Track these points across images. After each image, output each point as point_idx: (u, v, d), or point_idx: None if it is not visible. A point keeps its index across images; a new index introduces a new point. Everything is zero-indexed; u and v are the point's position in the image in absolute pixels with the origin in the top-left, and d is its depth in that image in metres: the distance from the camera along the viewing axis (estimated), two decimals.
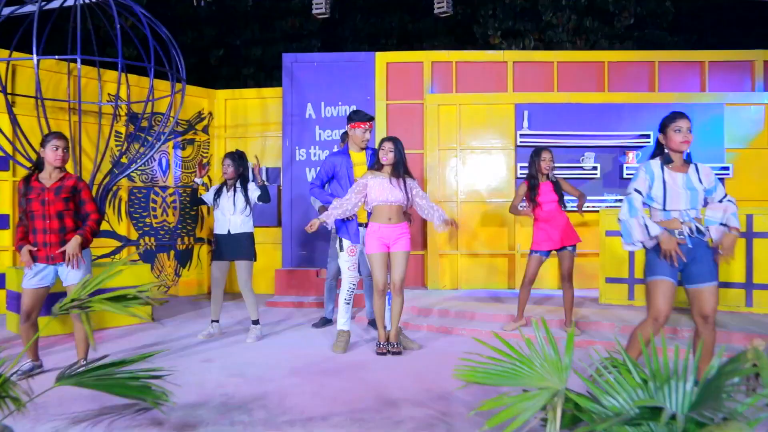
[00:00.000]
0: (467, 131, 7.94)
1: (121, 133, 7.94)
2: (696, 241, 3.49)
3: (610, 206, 7.36)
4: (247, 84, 13.45)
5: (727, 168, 7.63)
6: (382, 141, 4.83)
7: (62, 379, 2.37)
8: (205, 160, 6.41)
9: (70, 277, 4.20)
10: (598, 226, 7.10)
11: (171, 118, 7.08)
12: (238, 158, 5.65)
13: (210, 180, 8.83)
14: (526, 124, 7.76)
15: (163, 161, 8.47)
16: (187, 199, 8.62)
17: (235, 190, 5.53)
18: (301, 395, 3.81)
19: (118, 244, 7.95)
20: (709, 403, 2.00)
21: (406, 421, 3.33)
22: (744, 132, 7.85)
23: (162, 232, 8.40)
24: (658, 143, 3.69)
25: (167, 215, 8.48)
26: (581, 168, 7.63)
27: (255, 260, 5.58)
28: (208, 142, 8.99)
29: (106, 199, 6.53)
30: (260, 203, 5.58)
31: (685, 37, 13.08)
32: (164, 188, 8.45)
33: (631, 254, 6.23)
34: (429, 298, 6.89)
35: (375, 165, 4.88)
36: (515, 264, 7.76)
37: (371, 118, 5.23)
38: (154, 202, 8.37)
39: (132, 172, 7.79)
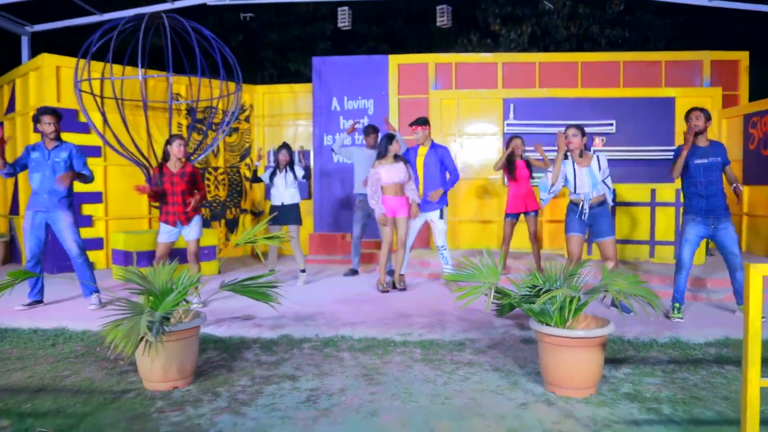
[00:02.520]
0: (464, 121, 9.71)
1: (182, 125, 9.76)
2: (595, 210, 5.33)
3: None
4: (265, 66, 15.12)
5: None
6: (391, 138, 6.61)
7: (224, 286, 4.23)
8: (263, 151, 8.43)
9: (190, 233, 6.08)
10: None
11: (228, 112, 8.88)
12: (290, 148, 7.48)
13: (264, 162, 10.68)
14: (512, 115, 9.52)
15: (215, 146, 10.30)
16: (236, 177, 10.49)
17: (286, 171, 7.37)
18: (345, 313, 5.70)
19: None
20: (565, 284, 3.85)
21: (414, 324, 5.21)
22: None
23: (215, 205, 10.27)
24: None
25: (218, 190, 10.34)
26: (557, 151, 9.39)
27: (301, 224, 7.45)
28: (249, 130, 10.81)
29: None
30: (303, 180, 7.44)
31: (674, 20, 14.39)
32: (215, 168, 10.30)
33: None
34: (431, 256, 8.74)
35: (381, 154, 6.67)
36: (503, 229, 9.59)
37: (417, 122, 6.97)
38: (208, 180, 10.22)
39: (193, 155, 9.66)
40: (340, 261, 9.26)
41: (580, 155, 5.45)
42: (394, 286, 6.87)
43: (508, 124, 9.48)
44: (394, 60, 10.06)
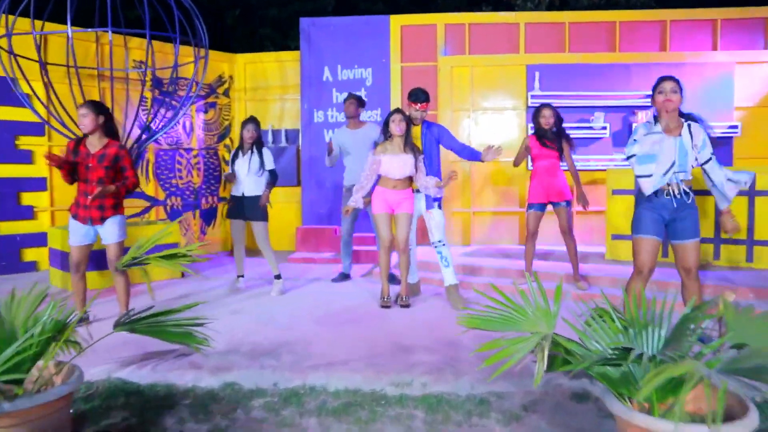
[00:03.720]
0: (480, 92, 8.16)
1: (147, 98, 8.26)
2: (681, 201, 3.78)
3: (618, 166, 7.59)
4: (264, 45, 13.65)
5: (735, 126, 7.80)
6: (392, 113, 5.12)
7: (119, 326, 2.76)
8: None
9: (107, 237, 4.59)
10: (605, 184, 7.37)
11: (190, 82, 7.37)
12: (257, 123, 5.96)
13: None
14: (537, 84, 7.96)
15: (187, 124, 8.80)
16: (212, 160, 9.01)
17: (251, 153, 5.85)
18: (323, 343, 4.21)
19: (147, 204, 8.36)
20: (673, 345, 2.33)
21: (417, 365, 3.72)
22: (754, 90, 7.97)
23: (187, 192, 8.80)
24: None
25: (192, 176, 8.86)
26: (591, 128, 7.85)
27: (267, 220, 5.96)
28: (229, 105, 9.29)
29: (137, 161, 6.89)
30: (269, 172, 5.94)
31: None
32: (188, 150, 8.81)
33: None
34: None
35: (385, 136, 5.18)
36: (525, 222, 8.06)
37: (418, 98, 5.28)
38: (179, 163, 8.74)
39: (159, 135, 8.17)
40: (330, 259, 7.78)
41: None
42: (402, 300, 5.34)
43: (532, 96, 7.91)
44: (397, 21, 8.49)
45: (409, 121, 5.15)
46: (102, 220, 4.55)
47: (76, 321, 2.69)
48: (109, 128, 4.63)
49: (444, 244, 5.32)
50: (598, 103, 7.86)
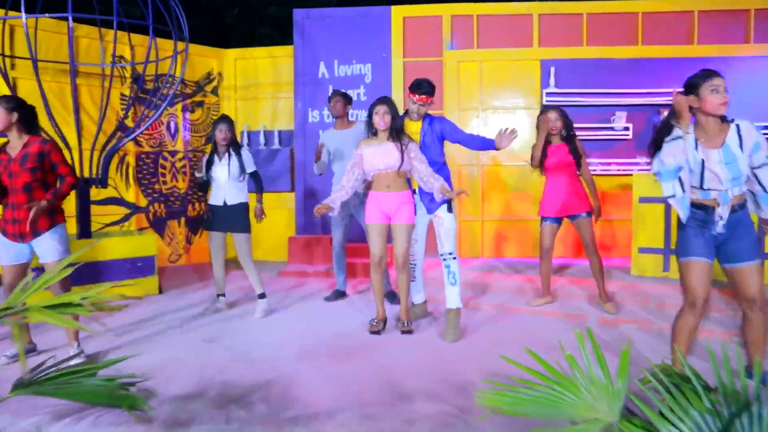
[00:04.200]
0: (489, 90, 7.46)
1: (126, 96, 7.59)
2: (735, 216, 3.07)
3: (644, 170, 6.88)
4: (264, 44, 13.00)
5: None
6: (375, 104, 4.42)
7: (18, 387, 2.06)
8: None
9: (44, 255, 3.86)
10: (630, 190, 6.67)
11: (171, 78, 6.68)
12: (231, 122, 5.26)
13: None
14: (552, 81, 7.25)
15: (172, 125, 8.13)
16: (198, 163, 8.32)
17: (229, 156, 5.16)
18: (306, 385, 3.50)
19: (127, 211, 7.68)
20: None
21: (420, 419, 3.00)
22: None
23: (172, 199, 8.12)
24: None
25: (177, 181, 8.18)
26: (612, 128, 7.14)
27: (250, 231, 5.26)
28: (218, 105, 8.61)
29: (109, 164, 6.20)
30: (250, 175, 5.28)
31: None
32: (173, 153, 8.13)
33: (667, 222, 5.78)
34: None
35: (369, 132, 4.51)
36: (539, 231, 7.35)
37: (421, 89, 4.54)
38: (163, 167, 8.06)
39: (138, 136, 7.49)
40: (326, 273, 7.07)
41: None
42: (403, 325, 4.60)
43: (547, 94, 7.20)
44: (399, 12, 7.80)
45: (396, 115, 4.43)
46: (35, 234, 3.83)
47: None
48: (27, 124, 3.90)
49: (454, 258, 4.58)
50: (620, 102, 7.14)
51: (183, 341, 4.42)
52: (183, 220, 8.23)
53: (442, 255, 4.60)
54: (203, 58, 8.45)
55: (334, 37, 7.94)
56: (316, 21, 8.00)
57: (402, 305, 4.58)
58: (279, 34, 13.70)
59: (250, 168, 5.24)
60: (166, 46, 7.67)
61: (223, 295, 5.46)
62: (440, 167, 4.64)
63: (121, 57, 7.53)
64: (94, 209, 7.31)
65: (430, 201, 4.56)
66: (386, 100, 4.42)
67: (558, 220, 5.07)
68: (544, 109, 5.00)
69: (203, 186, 5.40)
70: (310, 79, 8.02)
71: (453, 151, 7.33)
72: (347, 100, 5.78)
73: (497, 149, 4.43)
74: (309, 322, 4.97)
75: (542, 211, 5.12)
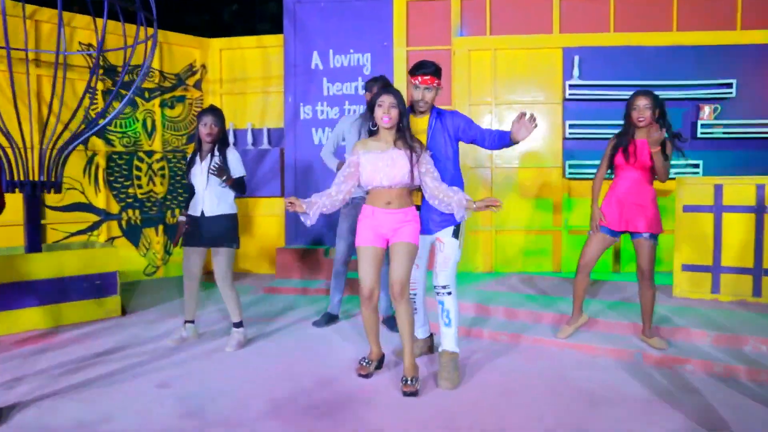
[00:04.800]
0: (504, 82, 6.58)
1: (97, 90, 6.75)
2: None
3: (682, 173, 6.01)
4: None
5: None
6: (380, 92, 3.47)
7: None
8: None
9: None
10: (667, 197, 5.81)
11: (147, 69, 5.83)
12: (221, 115, 4.39)
13: None
14: (576, 72, 6.38)
15: (149, 122, 7.28)
16: (180, 165, 7.49)
17: (211, 157, 4.30)
18: None
19: (96, 218, 6.84)
20: None
21: None
22: None
23: (148, 204, 7.27)
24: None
25: (154, 184, 7.33)
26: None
27: (238, 247, 4.39)
28: (201, 99, 7.76)
29: (61, 167, 5.35)
30: (237, 180, 4.39)
31: None
32: (150, 153, 7.27)
33: (718, 235, 4.89)
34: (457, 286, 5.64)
35: (370, 130, 3.60)
36: (562, 243, 6.47)
37: (424, 69, 3.63)
38: (138, 169, 7.21)
39: (109, 134, 6.67)
40: (319, 290, 6.21)
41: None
42: (406, 384, 3.55)
43: (570, 86, 6.32)
44: None
45: (404, 109, 3.49)
46: None
47: None
48: None
49: (449, 293, 3.69)
50: None
51: (131, 387, 3.56)
52: (161, 227, 7.38)
53: (435, 288, 3.72)
54: (185, 48, 7.60)
55: (329, 24, 7.09)
56: (309, 6, 7.14)
57: (405, 356, 3.55)
58: (279, 31, 12.95)
59: (238, 172, 4.37)
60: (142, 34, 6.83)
61: (192, 321, 4.60)
62: (452, 177, 3.73)
63: (90, 45, 6.70)
64: (58, 216, 6.53)
65: (433, 218, 3.67)
66: (392, 89, 3.48)
67: (615, 234, 4.15)
68: (635, 93, 3.98)
69: (187, 200, 4.54)
70: (302, 71, 7.17)
71: (463, 152, 6.43)
72: (384, 84, 4.84)
73: (514, 142, 3.52)
74: (288, 360, 4.10)
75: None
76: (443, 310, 3.71)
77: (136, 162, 7.19)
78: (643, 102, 3.96)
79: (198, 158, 4.34)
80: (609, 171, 4.20)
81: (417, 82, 3.62)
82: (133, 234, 7.17)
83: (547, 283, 5.86)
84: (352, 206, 4.72)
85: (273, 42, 7.57)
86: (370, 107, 3.50)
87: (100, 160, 6.88)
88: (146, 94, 7.24)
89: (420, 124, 3.72)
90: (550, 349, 4.21)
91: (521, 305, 4.99)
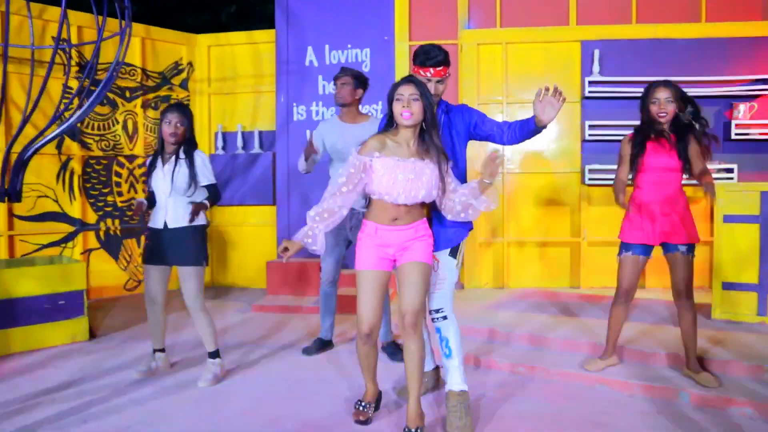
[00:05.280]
0: (516, 79, 5.99)
1: (72, 89, 6.17)
2: None
3: (719, 178, 5.41)
4: None
5: None
6: (398, 84, 2.83)
7: None
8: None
9: None
10: (700, 203, 5.22)
11: (127, 67, 5.27)
12: (188, 112, 3.82)
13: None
14: (596, 68, 5.79)
15: (130, 125, 6.70)
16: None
17: (176, 160, 3.72)
18: None
19: (71, 228, 6.26)
20: None
21: None
22: None
23: (130, 213, 6.69)
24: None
25: (136, 191, 6.75)
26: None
27: (206, 264, 3.80)
28: (188, 100, 7.18)
29: (21, 172, 4.77)
30: (206, 190, 3.81)
31: None
32: (131, 158, 6.70)
33: (765, 249, 4.28)
34: (465, 304, 5.04)
35: (386, 127, 2.94)
36: (580, 255, 5.87)
37: (427, 61, 3.03)
38: (118, 175, 6.64)
39: (82, 137, 6.12)
40: (313, 308, 5.61)
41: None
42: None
43: (589, 83, 5.74)
44: None
45: (431, 101, 2.83)
46: None
47: None
48: None
49: (445, 317, 3.09)
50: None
51: None
52: (143, 238, 6.80)
53: (429, 312, 3.13)
54: (170, 45, 7.04)
55: (325, 17, 6.52)
56: None
57: (410, 402, 2.91)
58: None
59: (205, 179, 3.78)
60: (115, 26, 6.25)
61: (162, 350, 4.00)
62: (461, 176, 3.16)
63: (65, 40, 6.13)
64: (28, 227, 5.96)
65: (442, 233, 3.08)
66: (413, 78, 2.86)
67: (647, 250, 3.55)
68: (651, 85, 3.43)
69: (150, 203, 3.95)
70: (296, 68, 6.59)
71: (472, 155, 5.83)
72: (359, 82, 4.27)
73: (540, 127, 2.90)
74: (271, 399, 3.50)
75: (624, 234, 3.57)
76: (441, 338, 3.11)
77: (115, 167, 6.62)
78: (664, 94, 3.42)
79: (160, 161, 3.76)
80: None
81: (428, 75, 3.02)
82: (112, 246, 6.59)
83: (567, 300, 5.27)
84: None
85: (265, 37, 7.00)
86: (390, 102, 2.86)
87: (76, 166, 6.31)
88: (127, 94, 6.68)
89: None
90: (578, 384, 3.60)
91: (540, 329, 4.38)
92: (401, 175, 2.75)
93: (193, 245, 3.69)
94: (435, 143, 2.83)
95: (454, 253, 3.12)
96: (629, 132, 3.64)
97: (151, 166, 3.79)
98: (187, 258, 3.68)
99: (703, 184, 3.35)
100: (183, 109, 3.76)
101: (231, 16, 11.74)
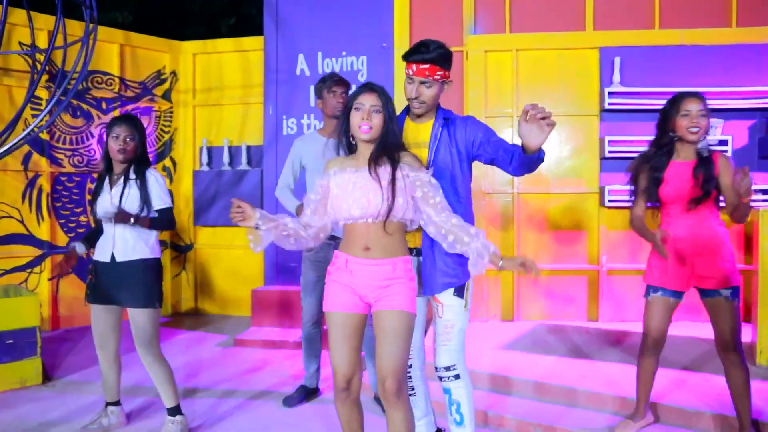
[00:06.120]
0: (528, 89, 5.42)
1: (41, 99, 5.66)
2: None
3: (757, 200, 4.83)
4: None
5: None
6: (356, 94, 2.37)
7: None
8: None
9: None
10: (744, 229, 4.63)
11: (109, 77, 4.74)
12: (139, 125, 3.27)
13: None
14: (617, 77, 5.22)
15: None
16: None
17: (125, 181, 3.16)
18: None
19: (38, 252, 5.71)
20: None
21: None
22: None
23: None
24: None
25: None
26: None
27: (160, 306, 3.22)
28: (171, 112, 6.65)
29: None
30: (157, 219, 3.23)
31: None
32: None
33: None
34: (468, 342, 4.42)
35: (346, 146, 2.47)
36: (599, 284, 5.27)
37: (425, 57, 2.49)
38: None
39: (52, 152, 5.59)
40: (299, 344, 5.01)
41: None
42: None
43: (609, 94, 5.16)
44: None
45: (393, 116, 2.36)
46: None
47: None
48: None
49: (457, 376, 2.55)
50: (713, 105, 5.02)
51: None
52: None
53: (436, 370, 2.57)
54: (152, 53, 6.52)
55: (317, 22, 5.99)
56: (294, 1, 6.05)
57: None
58: None
59: (160, 203, 3.22)
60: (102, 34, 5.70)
61: (117, 403, 3.42)
62: (462, 208, 2.58)
63: (32, 46, 5.62)
64: None
65: (433, 274, 2.53)
66: (374, 85, 2.39)
67: (678, 294, 2.96)
68: (680, 95, 2.86)
69: (94, 237, 3.36)
70: (286, 78, 6.05)
71: (479, 173, 5.25)
72: (340, 85, 3.77)
73: (530, 153, 2.29)
74: None
75: (650, 277, 3.00)
76: (451, 402, 2.56)
77: (89, 185, 6.07)
78: (696, 107, 2.86)
79: (107, 183, 3.20)
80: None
81: (410, 72, 2.50)
82: (84, 270, 6.02)
83: (585, 337, 4.67)
84: (319, 249, 3.49)
85: (254, 45, 6.47)
86: (346, 113, 2.38)
87: (44, 183, 5.78)
88: (103, 105, 6.17)
89: (421, 133, 2.58)
90: None
91: (555, 376, 3.78)
92: (351, 185, 2.36)
93: (144, 283, 3.12)
94: (388, 150, 2.36)
95: (460, 293, 2.56)
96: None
97: (97, 189, 3.22)
98: (137, 299, 3.10)
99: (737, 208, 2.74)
100: (133, 121, 3.21)
101: (231, 28, 11.38)
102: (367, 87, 2.36)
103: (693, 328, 4.61)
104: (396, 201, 2.28)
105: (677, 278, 2.88)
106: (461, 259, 2.47)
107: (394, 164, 2.33)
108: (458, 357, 2.55)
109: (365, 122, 2.30)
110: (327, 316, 2.40)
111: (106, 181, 3.20)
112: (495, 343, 4.56)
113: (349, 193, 2.33)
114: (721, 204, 2.96)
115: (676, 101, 2.92)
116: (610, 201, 5.16)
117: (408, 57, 2.50)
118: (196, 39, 6.96)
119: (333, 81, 3.75)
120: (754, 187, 4.80)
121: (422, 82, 2.48)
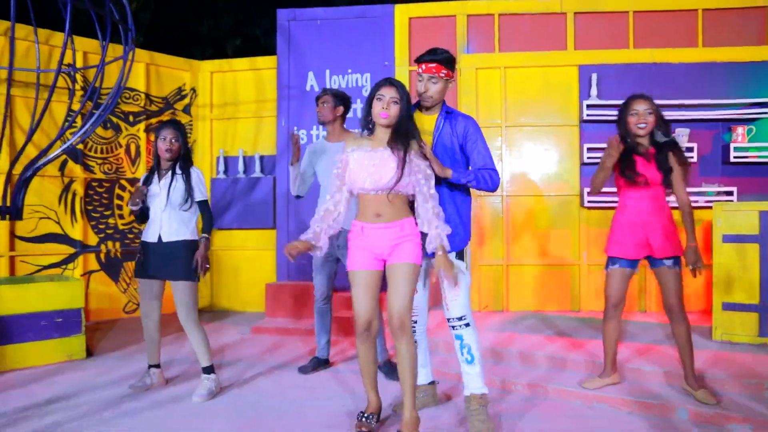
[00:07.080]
0: (515, 103, 6.03)
1: (72, 112, 6.25)
2: None
3: (715, 200, 5.40)
4: None
5: None
6: (378, 86, 2.92)
7: None
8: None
9: None
10: (707, 225, 5.21)
11: (134, 92, 5.35)
12: (182, 129, 3.88)
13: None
14: (594, 92, 5.83)
15: (132, 148, 6.77)
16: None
17: (172, 175, 3.76)
18: None
19: (72, 250, 6.27)
20: None
21: None
22: None
23: (131, 236, 6.71)
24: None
25: None
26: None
27: (198, 279, 3.80)
28: (191, 125, 7.26)
29: (22, 190, 4.81)
30: (200, 204, 3.89)
31: None
32: (133, 181, 6.74)
33: (765, 269, 4.26)
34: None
35: (364, 127, 3.05)
36: (581, 278, 5.84)
37: (434, 59, 3.09)
38: (120, 198, 6.67)
39: (85, 160, 6.17)
40: (311, 330, 5.57)
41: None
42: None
43: (587, 106, 5.77)
44: (404, 12, 6.48)
45: (408, 107, 2.93)
46: None
47: None
48: None
49: (467, 324, 3.12)
50: (680, 117, 5.66)
51: None
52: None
53: (449, 321, 3.13)
54: (174, 71, 7.15)
55: (326, 42, 6.62)
56: (305, 23, 6.69)
57: (405, 407, 2.91)
58: None
59: (200, 195, 3.83)
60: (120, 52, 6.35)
61: (157, 366, 3.98)
62: (460, 195, 3.20)
63: (70, 65, 6.23)
64: (29, 248, 5.98)
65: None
66: (396, 83, 2.93)
67: (633, 264, 3.54)
68: (631, 98, 3.47)
69: (142, 217, 3.96)
70: (297, 93, 6.67)
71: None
72: (340, 101, 4.37)
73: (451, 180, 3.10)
74: (264, 416, 3.45)
75: (611, 249, 3.59)
76: (462, 345, 3.13)
77: (117, 190, 6.66)
78: (643, 106, 3.45)
79: (156, 176, 3.80)
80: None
81: (421, 70, 3.12)
82: (112, 268, 6.59)
83: (567, 323, 5.22)
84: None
85: (267, 64, 7.10)
86: (369, 102, 2.95)
87: (78, 188, 6.36)
88: (130, 118, 6.77)
89: (426, 123, 3.18)
90: (575, 403, 3.55)
91: (538, 348, 4.34)
92: (367, 163, 2.89)
93: (186, 259, 3.71)
94: (401, 136, 2.89)
95: (461, 257, 3.14)
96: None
97: (146, 181, 3.82)
98: (179, 273, 3.69)
99: (685, 250, 3.41)
100: (177, 125, 3.83)
101: (236, 49, 11.96)
102: (388, 81, 2.92)
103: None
104: (403, 178, 2.85)
105: (632, 246, 3.46)
106: (457, 228, 3.07)
107: (407, 149, 2.89)
108: (467, 310, 3.12)
109: (384, 111, 2.86)
110: (350, 275, 2.98)
111: (155, 175, 3.80)
112: (486, 327, 5.11)
113: (364, 168, 2.89)
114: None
115: (627, 103, 3.52)
116: (588, 202, 5.73)
117: (420, 59, 3.12)
118: (204, 59, 7.56)
119: (318, 95, 4.40)
120: (718, 189, 5.41)
121: (430, 78, 3.08)
